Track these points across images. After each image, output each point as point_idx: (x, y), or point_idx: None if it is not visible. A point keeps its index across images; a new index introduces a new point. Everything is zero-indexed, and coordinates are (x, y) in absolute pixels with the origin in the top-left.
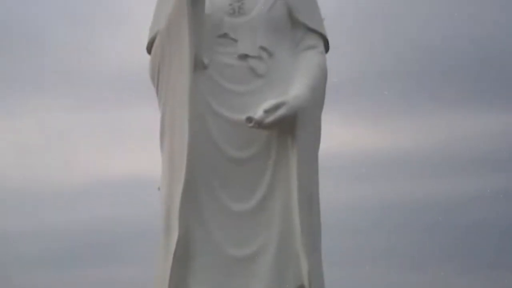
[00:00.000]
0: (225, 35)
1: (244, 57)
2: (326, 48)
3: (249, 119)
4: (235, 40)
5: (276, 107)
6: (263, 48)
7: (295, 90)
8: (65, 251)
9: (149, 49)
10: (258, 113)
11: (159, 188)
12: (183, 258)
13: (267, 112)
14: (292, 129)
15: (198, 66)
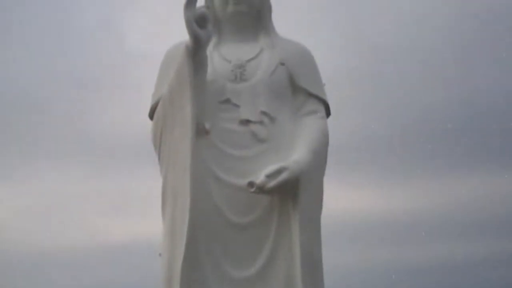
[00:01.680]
0: (227, 101)
1: (245, 122)
2: (328, 112)
3: (251, 184)
4: (237, 106)
5: (278, 172)
6: (264, 114)
7: (296, 155)
8: None
9: (151, 115)
10: (260, 178)
11: (160, 254)
12: None
13: (269, 177)
14: (294, 194)
15: (200, 131)
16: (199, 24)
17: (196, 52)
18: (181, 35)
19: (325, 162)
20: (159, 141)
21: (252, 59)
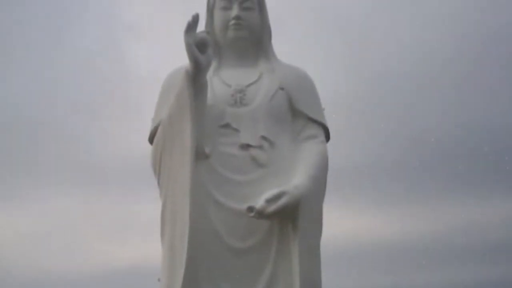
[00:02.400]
0: (227, 125)
1: (245, 147)
2: (327, 137)
3: (251, 209)
4: (237, 130)
5: (278, 196)
6: (264, 138)
7: (296, 180)
8: None
9: (151, 139)
10: (259, 203)
11: (159, 279)
12: None
13: (269, 201)
14: (294, 219)
15: (200, 156)
16: (200, 49)
17: (196, 76)
18: (183, 59)
19: (325, 186)
20: (158, 165)
21: (252, 83)
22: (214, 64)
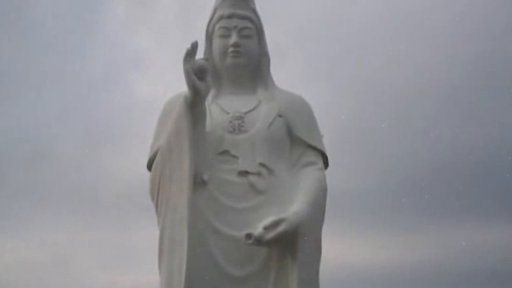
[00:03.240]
0: (225, 152)
1: (244, 173)
2: (326, 164)
3: (249, 236)
4: (236, 157)
5: (276, 223)
6: (263, 165)
7: (295, 207)
8: None
9: (149, 166)
10: (257, 230)
11: None
12: None
13: (267, 228)
14: (292, 245)
15: (198, 183)
16: (198, 76)
17: (195, 103)
18: (184, 87)
19: (324, 213)
20: (156, 192)
21: (251, 110)
22: (212, 91)
